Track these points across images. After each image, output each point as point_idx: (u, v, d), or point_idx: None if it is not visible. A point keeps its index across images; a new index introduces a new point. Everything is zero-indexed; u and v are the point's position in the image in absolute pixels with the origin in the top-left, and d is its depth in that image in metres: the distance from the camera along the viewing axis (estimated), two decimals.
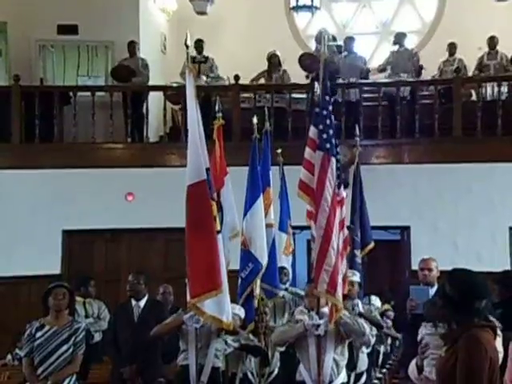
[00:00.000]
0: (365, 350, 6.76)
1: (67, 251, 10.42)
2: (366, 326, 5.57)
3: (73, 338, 5.53)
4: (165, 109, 11.05)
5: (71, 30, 11.99)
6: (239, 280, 6.54)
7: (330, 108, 5.82)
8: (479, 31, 11.93)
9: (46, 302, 5.61)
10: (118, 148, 10.84)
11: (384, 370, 7.12)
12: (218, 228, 5.35)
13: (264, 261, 6.51)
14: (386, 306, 7.74)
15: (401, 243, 10.49)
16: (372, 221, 8.36)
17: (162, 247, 10.43)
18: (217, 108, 6.45)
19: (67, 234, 10.39)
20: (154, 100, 11.25)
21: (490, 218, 9.89)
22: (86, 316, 8.56)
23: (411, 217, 10.12)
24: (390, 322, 7.34)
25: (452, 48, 11.61)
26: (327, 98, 5.80)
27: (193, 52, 11.18)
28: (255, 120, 7.03)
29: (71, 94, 11.03)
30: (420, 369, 4.27)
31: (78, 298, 8.10)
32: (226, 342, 5.86)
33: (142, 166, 10.34)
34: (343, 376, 5.61)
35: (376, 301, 8.05)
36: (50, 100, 10.64)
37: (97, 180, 10.29)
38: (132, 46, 11.50)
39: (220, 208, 6.30)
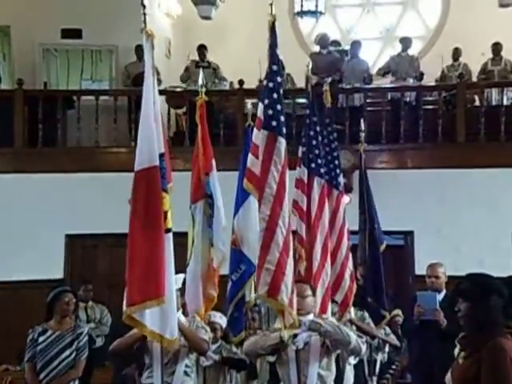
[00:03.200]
0: (352, 362, 6.09)
1: (70, 256, 10.38)
2: (352, 334, 4.71)
3: (75, 343, 5.50)
4: (169, 113, 11.04)
5: (75, 34, 11.99)
6: (229, 283, 5.97)
7: (280, 80, 4.84)
8: (483, 37, 11.92)
9: (52, 306, 5.55)
10: (121, 152, 10.80)
11: (387, 375, 6.99)
12: (170, 225, 4.53)
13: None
14: (396, 311, 7.51)
15: (404, 248, 10.46)
16: None
17: None
18: (200, 82, 5.85)
19: (70, 239, 10.36)
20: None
21: (493, 224, 9.85)
22: (88, 321, 8.54)
23: (414, 222, 10.09)
24: (388, 329, 7.16)
25: (456, 53, 11.62)
26: (275, 67, 4.83)
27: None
28: (249, 105, 6.67)
29: (75, 98, 11.02)
30: None
31: (80, 303, 8.09)
32: (197, 359, 5.28)
33: None
34: None
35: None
36: (53, 104, 10.63)
37: (100, 184, 10.25)
38: (140, 50, 11.49)
39: (210, 195, 5.73)
